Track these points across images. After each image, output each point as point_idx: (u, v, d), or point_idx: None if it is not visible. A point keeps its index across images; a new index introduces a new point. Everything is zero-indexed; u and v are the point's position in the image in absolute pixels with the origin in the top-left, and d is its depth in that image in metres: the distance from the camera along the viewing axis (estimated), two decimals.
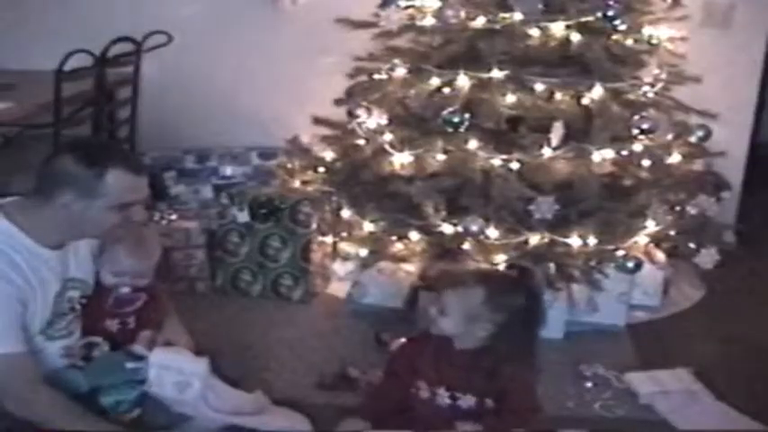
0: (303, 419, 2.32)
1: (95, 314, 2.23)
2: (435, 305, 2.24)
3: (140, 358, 2.12)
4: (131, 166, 2.06)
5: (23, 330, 2.01)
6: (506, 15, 3.18)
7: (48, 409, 1.98)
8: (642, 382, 2.95)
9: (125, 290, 2.25)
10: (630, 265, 3.16)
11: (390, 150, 3.33)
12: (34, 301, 2.02)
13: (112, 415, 2.10)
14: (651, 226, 3.29)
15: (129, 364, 2.12)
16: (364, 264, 3.43)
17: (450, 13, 3.21)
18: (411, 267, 3.43)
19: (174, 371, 2.09)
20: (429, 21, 3.32)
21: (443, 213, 3.18)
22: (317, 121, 3.68)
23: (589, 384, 2.98)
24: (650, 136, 3.24)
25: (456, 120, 3.09)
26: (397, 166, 3.32)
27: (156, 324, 2.30)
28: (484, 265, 3.22)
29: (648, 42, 3.44)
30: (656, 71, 3.38)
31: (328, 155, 3.69)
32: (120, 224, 2.07)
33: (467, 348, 2.23)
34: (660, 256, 3.50)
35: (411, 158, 3.31)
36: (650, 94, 3.37)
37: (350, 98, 3.54)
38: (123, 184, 2.02)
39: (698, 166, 3.71)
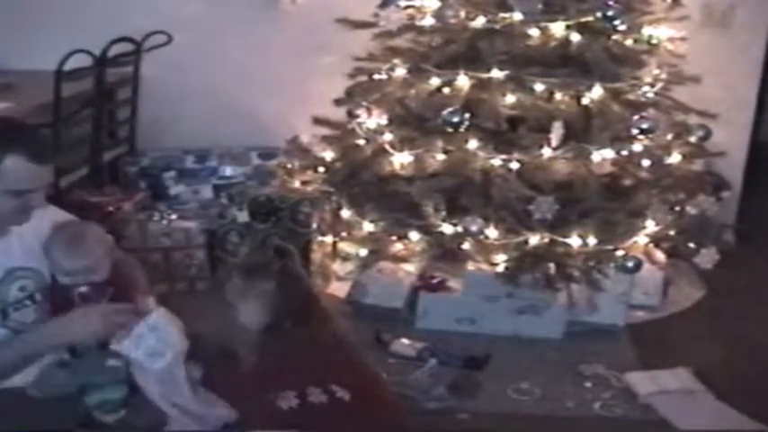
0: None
1: (67, 311, 2.20)
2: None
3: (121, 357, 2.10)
4: (32, 154, 1.98)
5: None
6: (506, 15, 3.19)
7: None
8: (642, 381, 2.94)
9: (83, 288, 2.18)
10: (630, 265, 3.16)
11: (390, 150, 3.33)
12: None
13: (96, 414, 2.07)
14: (651, 226, 3.29)
15: (111, 362, 2.08)
16: (364, 264, 3.43)
17: (449, 13, 3.22)
18: (411, 267, 3.43)
19: (157, 335, 2.05)
20: (429, 21, 3.33)
21: (443, 213, 3.19)
22: (317, 121, 3.68)
23: (589, 384, 2.98)
24: (650, 136, 3.24)
25: (456, 120, 3.10)
26: (397, 166, 3.33)
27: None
28: (484, 266, 3.24)
29: (648, 42, 3.44)
30: (656, 71, 3.38)
31: (328, 155, 3.69)
32: (19, 209, 2.01)
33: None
34: (660, 256, 3.50)
35: (411, 158, 3.31)
36: (650, 94, 3.37)
37: (350, 98, 3.54)
38: (20, 173, 1.96)
39: (698, 166, 3.71)
